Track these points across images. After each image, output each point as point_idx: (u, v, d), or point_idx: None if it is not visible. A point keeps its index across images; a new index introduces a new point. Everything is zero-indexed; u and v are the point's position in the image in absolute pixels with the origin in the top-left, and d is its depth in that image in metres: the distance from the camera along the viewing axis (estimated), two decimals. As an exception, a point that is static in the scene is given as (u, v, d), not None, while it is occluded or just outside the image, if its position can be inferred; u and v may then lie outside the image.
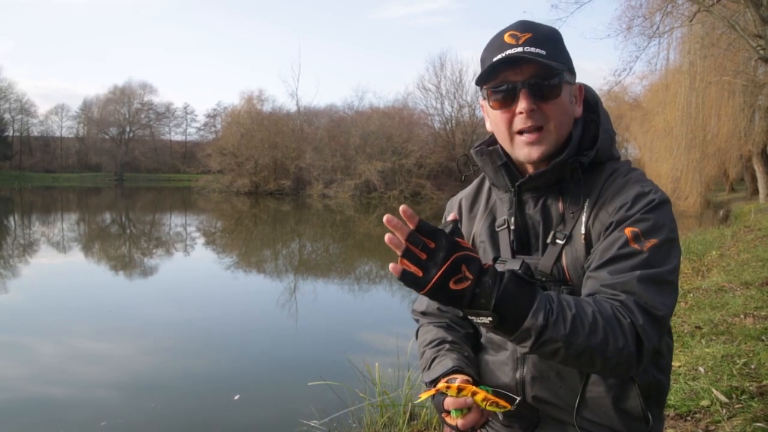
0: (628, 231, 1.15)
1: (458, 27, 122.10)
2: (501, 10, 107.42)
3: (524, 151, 1.25)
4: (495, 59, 1.21)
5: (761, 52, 9.91)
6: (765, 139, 19.04)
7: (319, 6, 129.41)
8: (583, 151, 1.27)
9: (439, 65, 43.58)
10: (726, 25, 11.38)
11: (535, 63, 1.19)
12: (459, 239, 1.01)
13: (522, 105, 1.20)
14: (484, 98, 1.28)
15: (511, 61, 1.20)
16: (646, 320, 1.09)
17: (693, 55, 16.38)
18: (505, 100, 1.23)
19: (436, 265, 0.97)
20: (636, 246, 1.14)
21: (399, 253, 0.98)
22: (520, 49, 1.19)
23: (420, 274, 0.98)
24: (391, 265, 0.98)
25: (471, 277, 0.99)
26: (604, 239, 1.18)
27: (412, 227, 0.97)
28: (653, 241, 1.14)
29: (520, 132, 1.24)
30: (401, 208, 0.96)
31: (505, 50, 1.20)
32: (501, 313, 1.01)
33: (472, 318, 1.03)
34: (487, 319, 1.02)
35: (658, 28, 14.37)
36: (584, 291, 1.18)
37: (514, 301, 1.02)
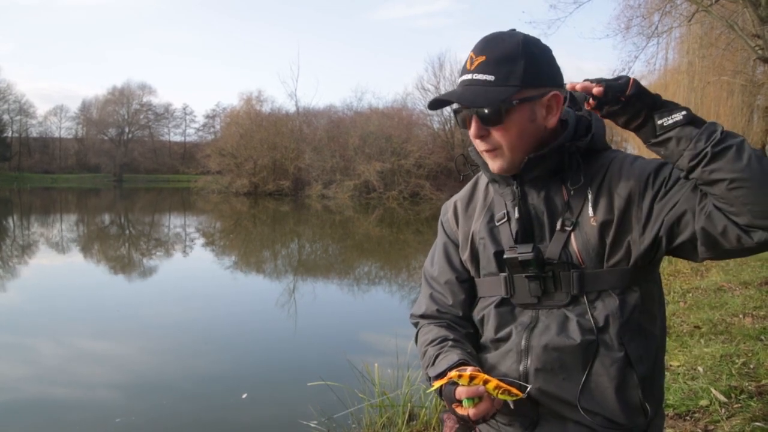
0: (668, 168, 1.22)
1: (458, 28, 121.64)
2: (500, 11, 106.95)
3: (489, 164, 1.33)
4: (442, 94, 1.31)
5: (760, 51, 9.91)
6: (764, 139, 19.05)
7: (318, 7, 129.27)
8: (579, 137, 1.32)
9: (438, 66, 43.45)
10: (724, 25, 11.38)
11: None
12: None
13: (471, 131, 1.29)
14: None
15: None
16: None
17: (692, 55, 16.36)
18: (463, 124, 1.31)
19: None
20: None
21: None
22: (470, 77, 1.26)
23: None
24: None
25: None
26: (646, 195, 1.21)
27: None
28: None
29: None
30: None
31: (464, 74, 1.29)
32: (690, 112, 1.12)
33: (660, 117, 1.14)
34: (681, 114, 1.13)
35: (656, 28, 14.36)
36: (679, 209, 1.16)
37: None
